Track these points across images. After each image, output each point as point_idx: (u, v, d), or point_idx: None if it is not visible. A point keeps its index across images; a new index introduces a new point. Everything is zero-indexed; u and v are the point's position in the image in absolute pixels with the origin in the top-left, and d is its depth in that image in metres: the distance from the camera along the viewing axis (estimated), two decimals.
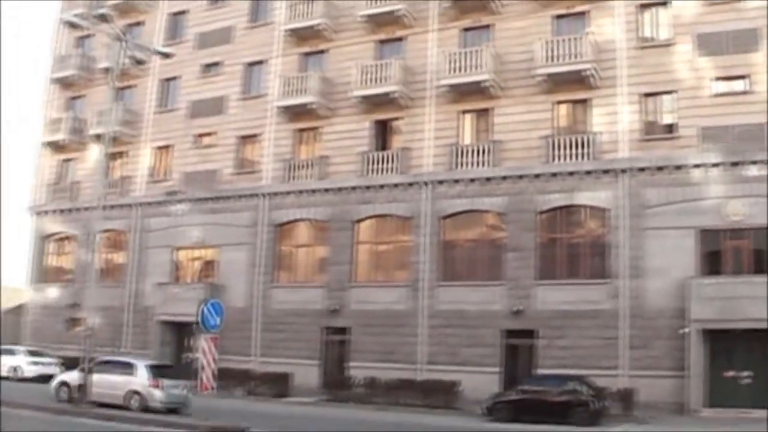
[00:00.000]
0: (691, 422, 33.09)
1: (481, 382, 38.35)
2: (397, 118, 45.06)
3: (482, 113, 43.15)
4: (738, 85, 38.22)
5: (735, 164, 37.22)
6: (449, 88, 42.75)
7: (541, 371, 38.09)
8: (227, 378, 41.96)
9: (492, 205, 41.59)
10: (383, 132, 45.85)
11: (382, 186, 44.03)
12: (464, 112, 43.51)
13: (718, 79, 38.43)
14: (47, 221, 56.52)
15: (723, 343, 35.95)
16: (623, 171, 38.94)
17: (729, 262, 37.30)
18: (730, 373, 35.81)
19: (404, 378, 40.03)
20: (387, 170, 44.21)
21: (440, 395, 38.58)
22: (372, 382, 40.23)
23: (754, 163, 36.93)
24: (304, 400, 40.60)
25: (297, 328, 44.83)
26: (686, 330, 35.88)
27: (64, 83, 57.79)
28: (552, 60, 40.22)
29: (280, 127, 48.25)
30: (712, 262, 37.56)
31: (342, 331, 44.10)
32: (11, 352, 46.33)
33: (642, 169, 38.64)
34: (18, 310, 57.43)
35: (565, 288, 39.37)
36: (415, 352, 41.64)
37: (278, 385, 42.55)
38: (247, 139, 49.74)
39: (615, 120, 39.73)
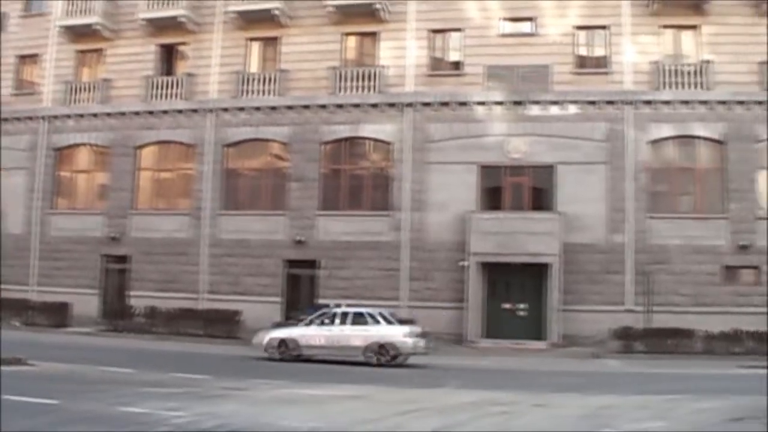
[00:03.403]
0: (468, 352, 32.64)
1: (263, 311, 35.98)
2: (183, 43, 41.33)
3: (270, 41, 40.15)
4: (525, 27, 37.54)
5: (518, 103, 36.68)
6: (237, 14, 39.43)
7: (322, 301, 36.06)
8: (4, 308, 37.73)
9: (276, 134, 38.94)
10: (169, 57, 42.04)
11: (165, 112, 40.34)
12: (252, 39, 40.28)
13: (506, 19, 37.45)
14: None
15: (501, 276, 35.71)
16: (408, 105, 37.32)
17: (509, 198, 36.74)
18: (507, 306, 35.70)
19: (186, 307, 37.21)
20: (171, 96, 40.49)
21: (222, 325, 36.12)
22: (152, 312, 37.06)
23: (536, 103, 36.59)
24: (83, 330, 37.24)
25: (76, 256, 40.78)
26: (465, 263, 35.15)
27: None
28: None
29: (62, 47, 43.39)
30: (493, 198, 36.92)
31: (122, 259, 40.46)
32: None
33: (427, 104, 37.21)
34: None
35: (348, 219, 37.64)
36: (197, 281, 38.82)
37: (57, 315, 38.57)
38: (27, 59, 44.51)
39: (403, 54, 38.00)
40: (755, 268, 35.34)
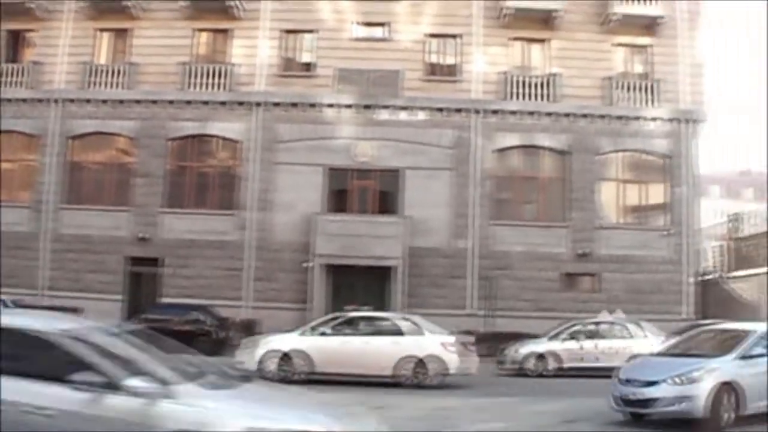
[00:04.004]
0: None
1: (105, 309, 34.33)
2: (31, 30, 39.59)
3: (121, 33, 38.70)
4: (377, 32, 37.56)
5: (367, 107, 36.61)
6: (89, 3, 38.06)
7: (165, 300, 35.16)
8: None
9: (123, 128, 37.55)
10: (16, 43, 40.25)
11: (9, 100, 38.50)
12: (102, 30, 38.78)
13: (360, 23, 37.38)
14: None
15: (345, 278, 35.30)
16: (258, 104, 36.69)
17: (355, 201, 36.56)
18: (351, 308, 34.69)
19: (26, 304, 35.27)
20: (17, 84, 38.63)
21: None
22: None
23: (386, 107, 36.64)
24: None
25: None
26: (310, 264, 34.79)
27: None
28: None
29: None
30: (339, 200, 36.76)
31: None
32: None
33: (277, 104, 36.66)
34: None
35: (193, 217, 36.64)
36: (37, 277, 37.05)
37: None
38: None
39: (255, 53, 37.32)
40: (594, 275, 36.15)
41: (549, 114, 36.48)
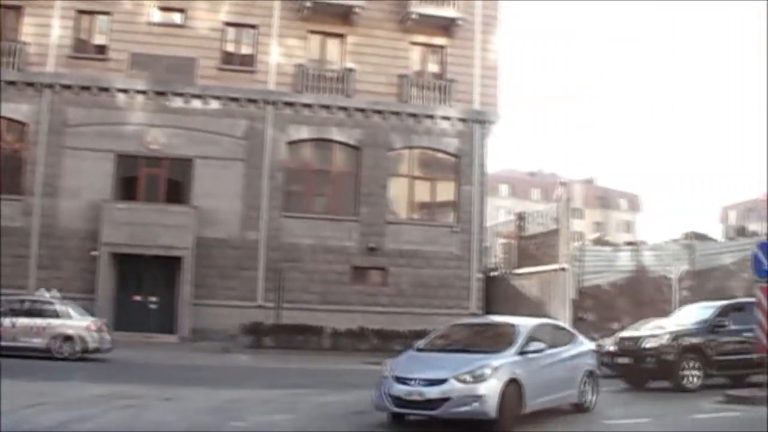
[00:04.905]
0: None
1: None
2: None
3: None
4: (175, 18, 36.71)
5: (161, 94, 35.76)
6: None
7: None
8: None
9: None
10: None
11: None
12: None
13: (158, 8, 36.45)
14: None
15: (133, 267, 34.62)
16: (48, 86, 35.12)
17: (144, 189, 35.73)
18: (138, 298, 34.82)
19: None
20: None
21: None
22: None
23: (180, 95, 35.90)
24: None
25: None
26: (97, 253, 33.80)
27: None
28: None
29: None
30: (128, 188, 35.85)
31: None
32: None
33: (67, 87, 35.19)
34: None
35: None
36: None
37: None
38: None
39: (47, 33, 35.57)
40: (383, 269, 36.63)
41: (343, 108, 36.68)
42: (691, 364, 20.30)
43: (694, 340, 20.66)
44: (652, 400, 18.90)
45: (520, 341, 14.63)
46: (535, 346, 14.71)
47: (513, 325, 15.50)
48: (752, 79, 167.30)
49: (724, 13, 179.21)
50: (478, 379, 13.43)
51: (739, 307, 22.11)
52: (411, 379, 13.64)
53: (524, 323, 15.72)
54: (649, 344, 20.58)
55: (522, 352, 14.41)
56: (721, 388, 19.86)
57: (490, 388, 13.39)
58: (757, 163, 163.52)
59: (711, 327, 21.01)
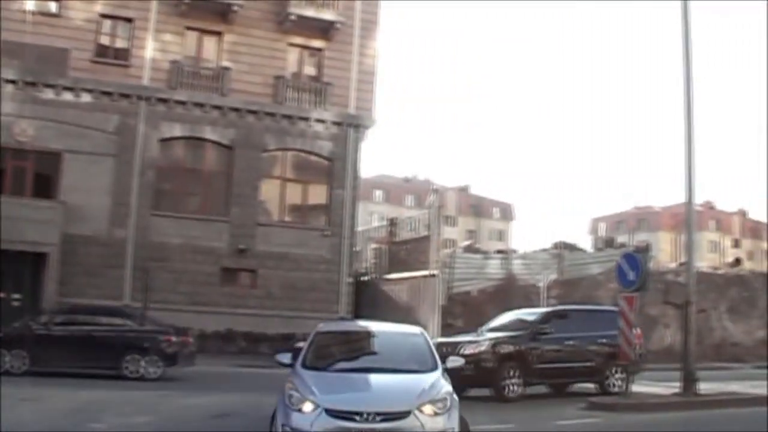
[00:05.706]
0: None
1: None
2: None
3: None
4: (50, 6, 35.51)
5: (31, 84, 34.55)
6: None
7: None
8: None
9: None
10: None
11: None
12: None
13: None
14: None
15: None
16: None
17: (10, 182, 34.50)
18: (2, 295, 33.41)
19: None
20: None
21: None
22: None
23: (51, 86, 34.80)
24: None
25: None
26: None
27: None
28: None
29: None
30: None
31: None
32: None
33: None
34: None
35: None
36: None
37: None
38: None
39: None
40: (252, 271, 36.49)
41: (217, 107, 36.36)
42: (511, 372, 20.35)
43: (515, 348, 20.79)
44: (514, 407, 19.18)
45: (436, 355, 12.11)
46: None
47: (417, 334, 12.87)
48: (631, 91, 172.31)
49: (606, 21, 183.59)
50: (443, 409, 10.61)
51: (562, 314, 22.67)
52: (356, 414, 10.11)
53: (415, 330, 13.24)
54: (467, 350, 19.92)
55: (446, 369, 11.91)
56: (545, 398, 20.57)
57: (455, 422, 10.77)
58: (628, 177, 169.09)
59: (533, 334, 21.23)
